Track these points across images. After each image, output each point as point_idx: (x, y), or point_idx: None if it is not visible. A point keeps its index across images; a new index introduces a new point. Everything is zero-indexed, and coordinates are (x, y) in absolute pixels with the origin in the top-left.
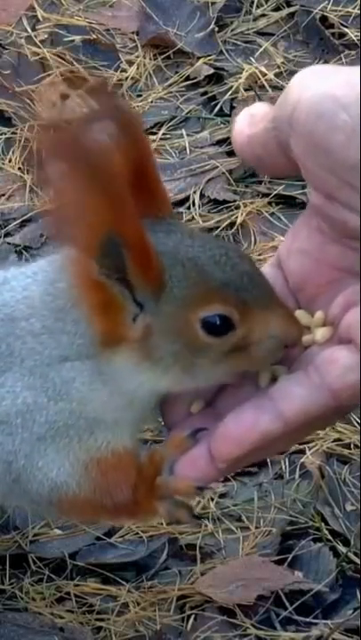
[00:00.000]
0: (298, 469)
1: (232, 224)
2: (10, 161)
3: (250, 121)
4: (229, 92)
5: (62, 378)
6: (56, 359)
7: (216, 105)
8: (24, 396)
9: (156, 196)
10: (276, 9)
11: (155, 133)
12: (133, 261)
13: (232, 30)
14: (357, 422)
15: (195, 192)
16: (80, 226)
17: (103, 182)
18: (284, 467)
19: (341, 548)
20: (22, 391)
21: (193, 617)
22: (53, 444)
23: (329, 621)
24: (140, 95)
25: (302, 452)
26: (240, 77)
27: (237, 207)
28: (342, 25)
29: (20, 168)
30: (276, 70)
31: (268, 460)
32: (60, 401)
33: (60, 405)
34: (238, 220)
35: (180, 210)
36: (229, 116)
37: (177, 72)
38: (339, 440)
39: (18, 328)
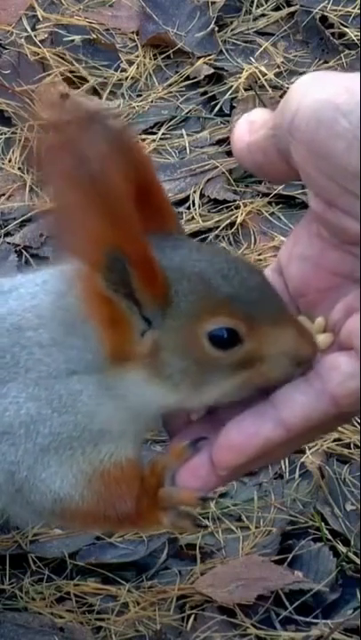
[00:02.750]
0: (298, 469)
1: (232, 224)
2: (10, 161)
3: (249, 128)
4: (229, 92)
5: (69, 390)
6: (64, 372)
7: (216, 105)
8: (28, 406)
9: (162, 211)
10: (276, 9)
11: (155, 133)
12: (138, 278)
13: (232, 30)
14: (357, 422)
15: (195, 192)
16: (84, 240)
17: (107, 199)
18: (284, 467)
19: (341, 548)
20: (26, 402)
21: (193, 617)
22: (56, 455)
23: (329, 621)
24: (140, 95)
25: (302, 451)
26: (240, 77)
27: (237, 207)
28: (342, 25)
29: (20, 168)
30: (276, 70)
31: None
32: (64, 413)
33: (65, 417)
34: (238, 220)
35: (180, 210)
36: (229, 115)
37: (177, 72)
38: (339, 440)
39: (24, 338)
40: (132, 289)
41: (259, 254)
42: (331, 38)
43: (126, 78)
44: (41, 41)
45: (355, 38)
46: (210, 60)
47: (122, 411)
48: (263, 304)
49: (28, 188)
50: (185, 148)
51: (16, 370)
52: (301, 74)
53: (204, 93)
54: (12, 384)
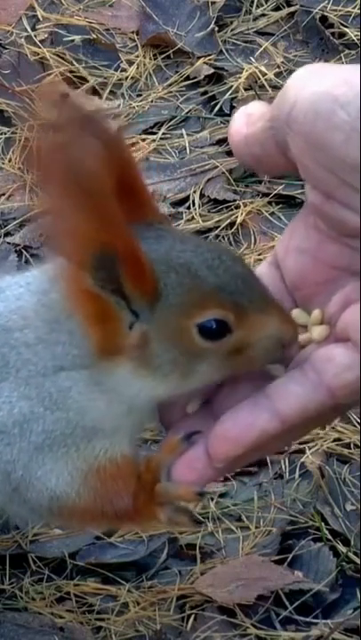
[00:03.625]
0: (298, 469)
1: (232, 224)
2: (10, 161)
3: (247, 120)
4: (229, 92)
5: (58, 387)
6: (51, 369)
7: (216, 105)
8: (20, 406)
9: (144, 201)
10: (276, 9)
11: (155, 133)
12: (127, 274)
13: (232, 30)
14: (357, 422)
15: (195, 192)
16: (72, 239)
17: (93, 198)
18: (284, 466)
19: (341, 548)
20: (18, 401)
21: (193, 617)
22: (51, 453)
23: (329, 621)
24: (140, 95)
25: (302, 451)
26: (240, 77)
27: (237, 207)
28: (342, 25)
29: (19, 168)
30: (276, 70)
31: (268, 460)
32: (56, 410)
33: (57, 415)
34: (238, 220)
35: (180, 209)
36: (229, 115)
37: (177, 72)
38: (339, 440)
39: (12, 339)
40: (121, 285)
41: (259, 254)
42: (331, 38)
43: (126, 78)
44: (41, 41)
45: (355, 38)
46: (210, 59)
47: (114, 406)
48: (249, 292)
49: (28, 188)
50: (185, 148)
51: (7, 370)
52: None
53: (204, 93)
54: (4, 384)
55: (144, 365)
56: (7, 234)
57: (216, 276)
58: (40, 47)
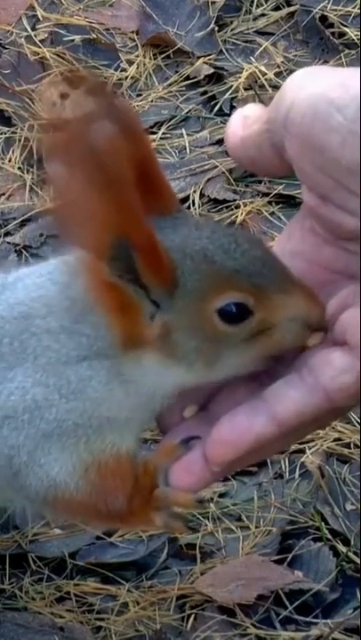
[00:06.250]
0: (298, 469)
1: (232, 224)
2: (10, 160)
3: (243, 122)
4: (229, 92)
5: (79, 376)
6: (74, 358)
7: (216, 104)
8: (34, 392)
9: (161, 191)
10: (276, 8)
11: (155, 133)
12: (144, 263)
13: (232, 30)
14: (357, 422)
15: (195, 191)
16: (88, 229)
17: (111, 187)
18: (283, 466)
19: (341, 548)
20: (33, 387)
21: (193, 616)
22: (59, 442)
23: (329, 621)
24: (140, 95)
25: (302, 451)
26: (240, 77)
27: (237, 207)
28: (342, 24)
29: (19, 168)
30: (276, 70)
31: (268, 460)
32: (73, 400)
33: (73, 404)
34: (238, 220)
35: None
36: (229, 115)
37: (177, 71)
38: (339, 440)
39: (33, 326)
40: (138, 275)
41: None
42: (331, 38)
43: (126, 78)
44: (41, 41)
45: (355, 38)
46: (210, 59)
47: (132, 396)
48: (267, 273)
49: (28, 188)
50: (185, 148)
51: (24, 356)
52: None
53: (204, 93)
54: (19, 369)
55: (169, 355)
56: (7, 234)
57: (233, 259)
58: (40, 47)
